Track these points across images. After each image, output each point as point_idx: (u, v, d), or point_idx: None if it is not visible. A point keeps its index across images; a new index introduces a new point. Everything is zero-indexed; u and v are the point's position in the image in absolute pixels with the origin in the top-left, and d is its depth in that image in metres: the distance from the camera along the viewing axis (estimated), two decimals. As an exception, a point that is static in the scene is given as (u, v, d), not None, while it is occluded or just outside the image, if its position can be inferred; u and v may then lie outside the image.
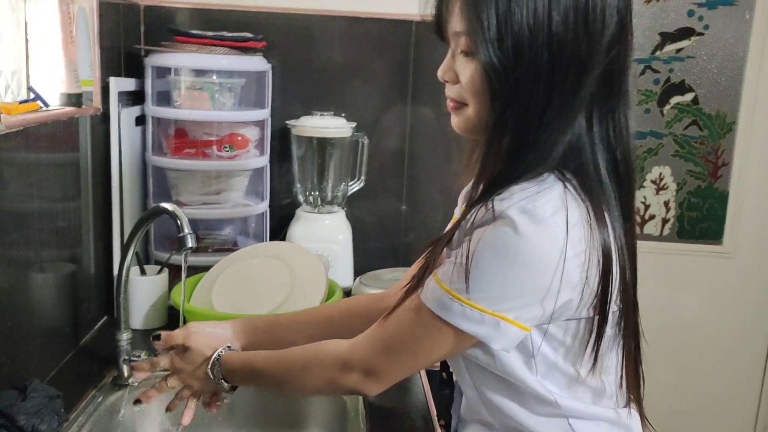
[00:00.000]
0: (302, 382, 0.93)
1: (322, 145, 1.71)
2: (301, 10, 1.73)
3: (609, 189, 0.80)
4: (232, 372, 0.99)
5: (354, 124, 1.71)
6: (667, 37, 2.08)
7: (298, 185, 1.75)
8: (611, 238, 0.78)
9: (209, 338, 1.04)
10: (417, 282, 0.83)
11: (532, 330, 0.80)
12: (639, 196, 2.13)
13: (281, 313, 1.17)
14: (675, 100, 2.12)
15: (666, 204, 2.18)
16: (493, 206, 0.76)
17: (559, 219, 0.75)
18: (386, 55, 1.77)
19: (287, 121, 1.70)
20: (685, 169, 2.15)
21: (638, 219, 2.12)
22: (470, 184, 0.95)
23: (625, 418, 0.88)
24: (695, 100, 2.12)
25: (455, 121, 0.85)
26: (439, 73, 0.85)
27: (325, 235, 1.68)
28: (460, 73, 0.81)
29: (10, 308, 1.08)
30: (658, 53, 2.08)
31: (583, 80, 0.76)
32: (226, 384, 1.00)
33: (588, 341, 0.82)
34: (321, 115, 1.67)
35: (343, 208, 1.77)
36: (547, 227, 0.74)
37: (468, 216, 0.79)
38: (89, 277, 1.42)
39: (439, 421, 1.16)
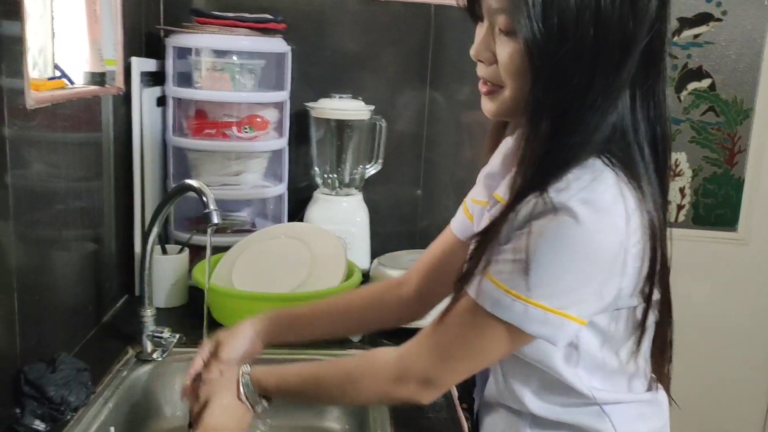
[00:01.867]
0: (351, 397, 0.90)
1: (341, 127, 1.71)
2: None
3: (651, 169, 0.78)
4: (266, 390, 0.94)
5: (372, 107, 1.71)
6: (685, 23, 2.07)
7: (316, 168, 1.76)
8: (656, 222, 0.76)
9: (235, 340, 1.01)
10: (464, 279, 0.79)
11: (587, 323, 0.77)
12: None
13: (298, 304, 1.13)
14: (692, 85, 2.11)
15: (681, 190, 2.17)
16: (551, 198, 0.72)
17: (620, 208, 0.72)
18: (405, 38, 1.77)
19: (306, 103, 1.70)
20: (701, 156, 2.15)
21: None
22: (489, 166, 0.93)
23: (655, 397, 0.88)
24: (712, 86, 2.11)
25: (489, 105, 0.80)
26: (473, 52, 0.80)
27: (342, 217, 1.69)
28: (497, 53, 0.76)
29: (37, 284, 1.10)
30: (675, 38, 2.08)
31: (627, 59, 0.73)
32: (265, 402, 0.94)
33: (633, 328, 0.80)
34: (339, 97, 1.68)
35: (360, 191, 1.77)
36: (608, 216, 0.72)
37: (517, 207, 0.75)
38: (111, 255, 1.44)
39: (461, 404, 1.16)
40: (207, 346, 1.03)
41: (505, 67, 0.75)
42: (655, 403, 0.89)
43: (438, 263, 1.03)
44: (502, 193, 0.82)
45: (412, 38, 1.76)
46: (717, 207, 2.17)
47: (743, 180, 2.15)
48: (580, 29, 0.70)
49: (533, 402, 0.85)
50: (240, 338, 1.02)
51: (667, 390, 0.91)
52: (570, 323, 0.74)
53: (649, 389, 0.87)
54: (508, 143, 0.88)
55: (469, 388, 1.04)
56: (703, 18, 2.07)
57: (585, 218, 0.70)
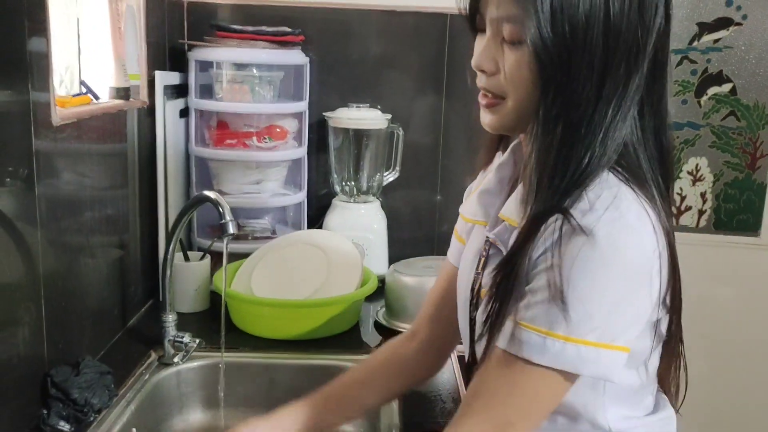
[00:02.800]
0: None
1: (358, 136, 1.74)
2: (337, 4, 1.75)
3: (660, 182, 0.76)
4: None
5: (389, 116, 1.73)
6: (704, 27, 2.06)
7: (335, 175, 1.78)
8: (671, 232, 0.74)
9: None
10: (491, 329, 0.74)
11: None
12: (675, 187, 2.10)
13: (332, 382, 1.01)
14: (712, 90, 2.09)
15: (702, 195, 2.15)
16: (577, 221, 0.68)
17: (646, 223, 0.70)
18: (421, 48, 1.78)
19: (324, 113, 1.73)
20: (722, 160, 2.13)
21: (674, 210, 2.10)
22: (485, 183, 0.89)
23: (664, 414, 0.85)
24: (733, 91, 2.09)
25: (489, 118, 0.78)
26: (476, 62, 0.77)
27: (360, 224, 1.71)
28: (501, 62, 0.74)
29: (64, 290, 1.13)
30: (695, 43, 2.07)
31: (636, 68, 0.71)
32: None
33: (655, 343, 0.77)
34: (357, 107, 1.70)
35: (378, 198, 1.79)
36: (636, 234, 0.69)
37: (537, 232, 0.71)
38: (136, 262, 1.48)
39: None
40: None
41: (511, 76, 0.73)
42: (665, 419, 0.85)
43: (443, 301, 0.99)
44: (510, 213, 0.78)
45: (428, 47, 1.78)
46: (738, 212, 2.15)
47: (766, 185, 2.12)
48: (590, 37, 0.69)
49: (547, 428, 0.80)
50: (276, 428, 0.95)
51: (675, 400, 0.88)
52: (621, 355, 0.70)
53: (656, 405, 0.85)
54: (500, 159, 0.88)
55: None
56: (723, 23, 2.05)
57: (616, 239, 0.67)
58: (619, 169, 0.73)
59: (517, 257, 0.73)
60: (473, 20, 0.78)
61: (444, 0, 1.73)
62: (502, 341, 0.72)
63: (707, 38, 2.06)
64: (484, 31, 0.77)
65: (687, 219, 2.16)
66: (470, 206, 0.92)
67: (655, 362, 0.81)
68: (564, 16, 0.68)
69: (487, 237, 0.84)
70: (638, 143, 0.75)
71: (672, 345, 0.81)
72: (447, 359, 1.05)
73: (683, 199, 2.16)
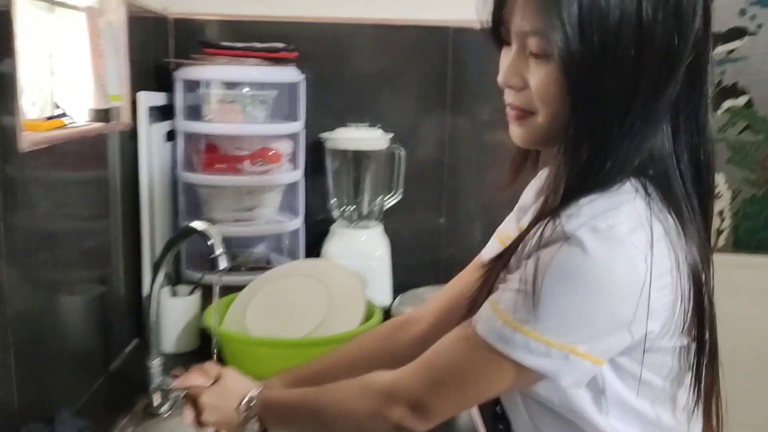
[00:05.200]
0: (344, 415, 0.86)
1: (358, 157, 1.68)
2: (332, 19, 1.71)
3: (695, 201, 0.74)
4: (269, 407, 0.92)
5: (390, 135, 1.68)
6: (718, 38, 2.00)
7: (333, 200, 1.72)
8: (696, 256, 0.71)
9: (245, 380, 0.98)
10: (471, 308, 0.77)
11: (605, 364, 0.72)
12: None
13: (312, 353, 1.09)
14: (728, 103, 2.04)
15: (720, 213, 2.09)
16: (562, 225, 0.69)
17: (638, 238, 0.68)
18: (423, 63, 1.74)
19: (321, 134, 1.67)
20: (740, 177, 2.07)
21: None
22: (522, 200, 0.92)
23: None
24: (749, 103, 2.02)
25: (518, 132, 0.76)
26: (502, 78, 0.75)
27: (361, 251, 1.65)
28: (528, 77, 0.73)
29: (38, 333, 1.05)
30: (708, 55, 2.00)
31: (671, 78, 0.69)
32: (257, 426, 0.92)
33: (672, 375, 0.75)
34: (356, 126, 1.65)
35: (380, 222, 1.73)
36: (621, 247, 0.67)
37: (531, 233, 0.72)
38: (119, 298, 1.40)
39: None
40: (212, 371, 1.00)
41: (539, 92, 0.71)
42: None
43: (459, 300, 0.97)
44: (526, 222, 0.79)
45: (430, 62, 1.74)
46: (759, 230, 2.09)
47: None
48: (620, 47, 0.66)
49: None
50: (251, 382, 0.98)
51: None
52: (578, 359, 0.69)
53: None
54: (543, 175, 0.84)
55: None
56: (737, 33, 2.00)
57: (593, 248, 0.66)
58: (644, 179, 0.71)
59: (509, 252, 0.75)
60: (497, 32, 0.76)
61: (446, 12, 1.70)
62: (475, 316, 0.75)
63: (721, 49, 2.00)
64: (509, 43, 0.75)
65: (704, 239, 2.08)
66: (509, 224, 0.95)
67: (683, 400, 0.77)
68: (593, 28, 0.66)
69: None
70: (669, 157, 0.72)
71: (704, 375, 0.77)
72: None
73: (700, 217, 2.08)
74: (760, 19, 1.97)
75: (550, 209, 0.72)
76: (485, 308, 0.74)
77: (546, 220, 0.71)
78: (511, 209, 0.97)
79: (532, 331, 0.69)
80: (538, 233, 0.71)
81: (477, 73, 1.70)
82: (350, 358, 1.03)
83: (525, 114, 0.74)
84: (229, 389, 0.95)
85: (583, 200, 0.70)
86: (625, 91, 0.67)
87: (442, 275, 1.75)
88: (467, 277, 1.00)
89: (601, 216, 0.68)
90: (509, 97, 0.76)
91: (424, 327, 1.00)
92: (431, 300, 1.03)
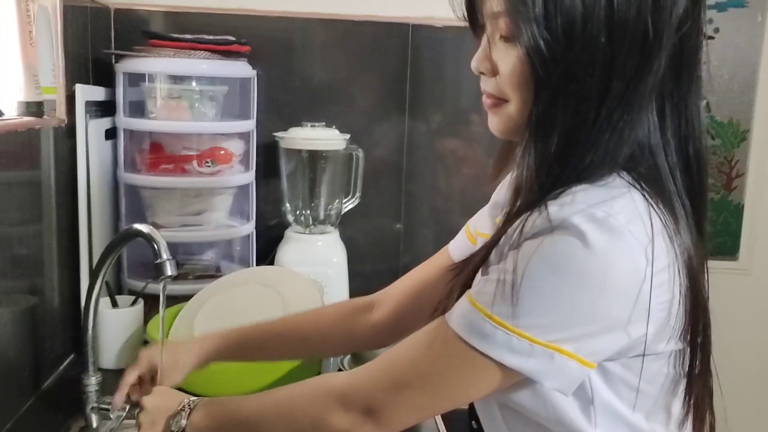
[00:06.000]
0: (284, 423, 0.77)
1: (314, 158, 1.64)
2: (287, 13, 1.67)
3: (684, 195, 0.70)
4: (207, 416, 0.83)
5: (347, 136, 1.64)
6: (675, 42, 2.01)
7: (288, 204, 1.68)
8: (692, 253, 0.68)
9: (176, 367, 0.98)
10: (445, 306, 0.72)
11: (595, 367, 0.67)
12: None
13: (267, 323, 1.06)
14: (686, 108, 2.04)
15: (678, 218, 2.09)
16: (548, 213, 0.64)
17: (636, 229, 0.64)
18: (381, 61, 1.71)
19: (274, 133, 1.63)
20: (697, 181, 2.08)
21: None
22: (496, 196, 0.90)
23: None
24: (706, 108, 2.02)
25: (494, 121, 0.75)
26: (474, 63, 0.74)
27: (317, 258, 1.61)
28: (499, 63, 0.71)
29: None
30: (665, 59, 2.01)
31: (650, 65, 0.65)
32: None
33: (665, 382, 0.71)
34: (312, 126, 1.60)
35: (336, 227, 1.70)
36: (622, 239, 0.63)
37: (514, 226, 0.68)
38: (53, 310, 1.31)
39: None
40: (145, 361, 1.00)
41: (507, 78, 0.70)
42: None
43: (423, 288, 0.97)
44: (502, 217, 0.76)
45: (389, 61, 1.71)
46: (715, 235, 2.11)
47: (743, 206, 2.09)
48: (588, 30, 0.64)
49: None
50: (183, 363, 0.99)
51: None
52: (564, 360, 0.64)
53: None
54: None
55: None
56: (695, 36, 2.00)
57: (593, 238, 0.62)
58: (633, 174, 0.69)
59: (487, 248, 0.72)
60: (473, 20, 0.76)
61: (405, 9, 1.67)
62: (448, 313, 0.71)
63: (678, 53, 2.00)
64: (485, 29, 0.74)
65: (661, 244, 2.09)
66: (482, 219, 0.93)
67: (677, 411, 0.74)
68: (558, 8, 0.64)
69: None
70: (656, 147, 0.69)
71: (696, 384, 0.74)
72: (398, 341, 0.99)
73: (657, 222, 2.09)
74: (717, 23, 2.00)
75: (526, 204, 0.68)
76: (462, 302, 0.69)
77: (530, 212, 0.67)
78: (468, 218, 0.97)
79: (513, 327, 0.64)
80: (521, 225, 0.67)
81: (436, 73, 1.68)
82: (305, 331, 1.02)
83: (499, 102, 0.73)
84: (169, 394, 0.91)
85: (576, 188, 0.66)
86: (598, 78, 0.65)
87: (400, 283, 1.73)
88: (433, 266, 0.98)
89: (598, 205, 0.64)
90: (483, 83, 0.75)
91: (384, 313, 0.99)
92: (395, 286, 1.01)
